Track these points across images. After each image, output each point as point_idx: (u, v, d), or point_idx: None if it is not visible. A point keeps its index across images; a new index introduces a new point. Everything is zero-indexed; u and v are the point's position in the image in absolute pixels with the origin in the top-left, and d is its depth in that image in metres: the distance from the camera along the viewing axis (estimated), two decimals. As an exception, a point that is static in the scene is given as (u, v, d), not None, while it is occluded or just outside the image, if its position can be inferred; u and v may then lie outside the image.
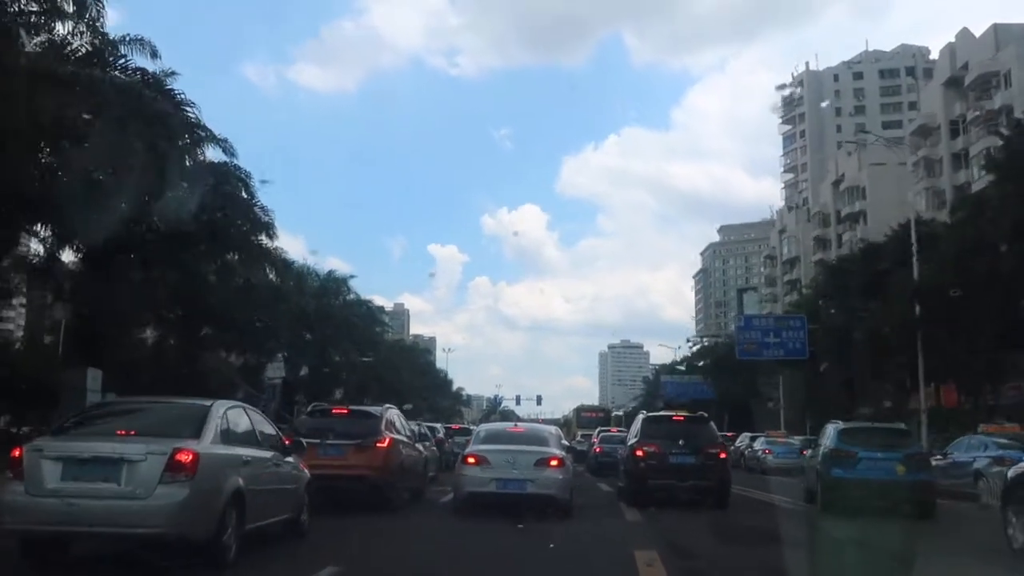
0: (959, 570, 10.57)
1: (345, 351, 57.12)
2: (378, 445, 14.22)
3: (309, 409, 15.90)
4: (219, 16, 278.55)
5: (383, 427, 14.69)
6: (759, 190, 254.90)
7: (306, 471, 11.36)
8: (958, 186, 66.06)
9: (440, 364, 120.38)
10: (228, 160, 29.77)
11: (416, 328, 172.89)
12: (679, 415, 19.38)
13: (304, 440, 13.57)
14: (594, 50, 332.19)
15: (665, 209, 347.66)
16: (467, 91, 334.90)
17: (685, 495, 17.30)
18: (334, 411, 15.55)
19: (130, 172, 22.93)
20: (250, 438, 9.77)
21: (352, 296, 56.86)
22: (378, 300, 72.37)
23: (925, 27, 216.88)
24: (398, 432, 15.71)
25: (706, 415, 19.32)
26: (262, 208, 32.07)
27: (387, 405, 16.55)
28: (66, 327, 31.90)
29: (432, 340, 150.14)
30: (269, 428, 10.68)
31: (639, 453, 17.51)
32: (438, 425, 35.05)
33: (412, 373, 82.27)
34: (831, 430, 19.30)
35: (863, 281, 44.66)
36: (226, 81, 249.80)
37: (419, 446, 18.09)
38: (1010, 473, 11.70)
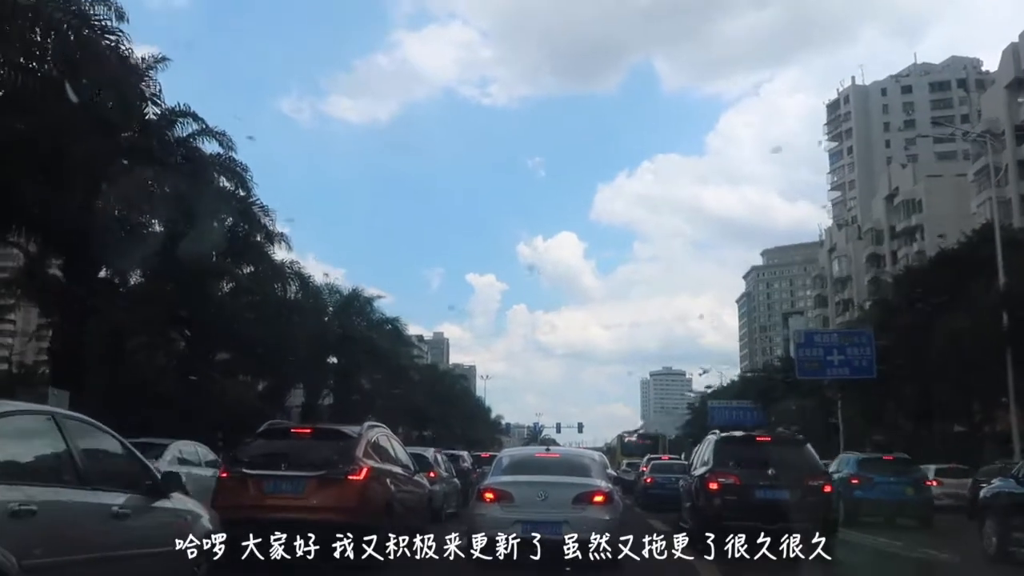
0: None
1: (372, 376, 53.21)
2: (351, 478, 10.22)
3: (262, 428, 11.78)
4: (255, 54, 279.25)
5: (360, 453, 10.66)
6: (797, 214, 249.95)
7: (205, 517, 7.44)
8: (1024, 194, 62.12)
9: (479, 392, 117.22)
10: (222, 152, 26.39)
11: (455, 357, 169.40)
12: (764, 436, 15.21)
13: (248, 471, 9.90)
14: (625, 77, 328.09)
15: (701, 234, 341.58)
16: (499, 120, 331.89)
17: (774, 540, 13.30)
18: (293, 431, 11.57)
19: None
20: (56, 468, 5.75)
21: (378, 316, 52.24)
22: (417, 329, 68.58)
23: (963, 44, 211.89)
24: (385, 460, 11.76)
25: (803, 437, 14.94)
26: (262, 207, 28.58)
27: (370, 423, 12.50)
28: (49, 348, 28.71)
29: (472, 368, 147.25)
30: (117, 454, 6.63)
31: (713, 486, 13.42)
32: (464, 453, 31.13)
33: (447, 399, 78.44)
34: (848, 459, 24.31)
35: (937, 293, 40.37)
36: (263, 115, 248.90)
37: (421, 478, 14.10)
38: (982, 494, 14.05)
